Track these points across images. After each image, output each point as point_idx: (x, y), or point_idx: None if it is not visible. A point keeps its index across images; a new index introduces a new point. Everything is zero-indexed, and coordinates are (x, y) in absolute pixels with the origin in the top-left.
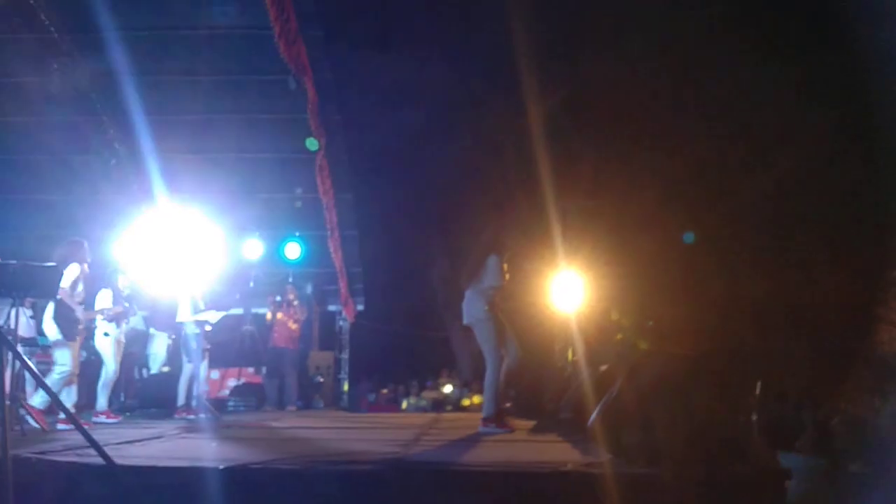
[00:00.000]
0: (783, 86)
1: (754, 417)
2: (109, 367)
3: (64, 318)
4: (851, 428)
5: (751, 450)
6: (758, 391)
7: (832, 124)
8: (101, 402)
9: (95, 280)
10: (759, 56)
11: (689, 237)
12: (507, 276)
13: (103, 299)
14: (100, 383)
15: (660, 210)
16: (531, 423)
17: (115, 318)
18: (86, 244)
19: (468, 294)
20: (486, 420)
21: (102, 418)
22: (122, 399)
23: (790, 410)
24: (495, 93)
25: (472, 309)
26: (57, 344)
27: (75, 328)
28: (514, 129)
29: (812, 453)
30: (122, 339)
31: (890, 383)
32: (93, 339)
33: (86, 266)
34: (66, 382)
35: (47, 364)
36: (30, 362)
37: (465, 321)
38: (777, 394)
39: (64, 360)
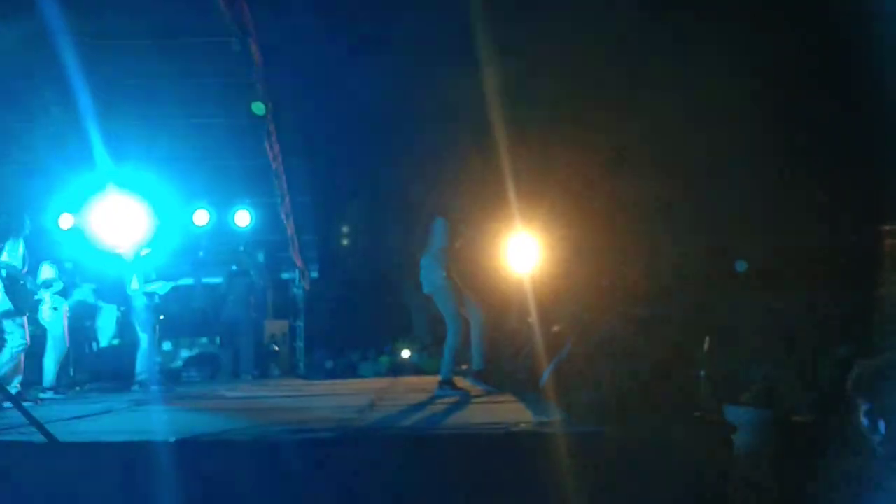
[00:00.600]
0: (726, 47)
1: (702, 373)
2: (60, 342)
3: (13, 292)
4: (796, 380)
5: (698, 405)
6: (706, 347)
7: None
8: (50, 377)
9: (35, 252)
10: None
11: (741, 265)
12: (457, 238)
13: (46, 272)
14: (49, 358)
15: (609, 173)
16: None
17: (62, 292)
18: (23, 215)
19: (423, 262)
20: (442, 383)
21: (50, 394)
22: (72, 374)
23: (738, 365)
24: (449, 55)
25: (430, 276)
26: (8, 317)
27: (28, 301)
28: (467, 94)
29: (759, 406)
30: (67, 313)
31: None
32: (38, 313)
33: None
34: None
35: None
36: None
37: (425, 290)
38: (725, 349)
39: (17, 335)
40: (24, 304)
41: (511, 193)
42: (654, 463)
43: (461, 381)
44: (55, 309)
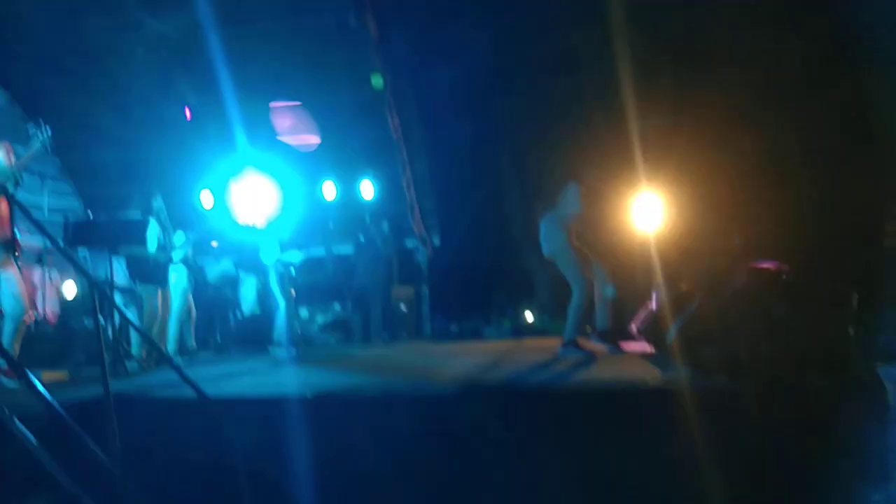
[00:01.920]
0: None
1: (851, 331)
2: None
3: (139, 270)
4: None
5: (846, 362)
6: (854, 303)
7: None
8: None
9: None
10: None
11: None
12: (588, 205)
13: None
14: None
15: (744, 124)
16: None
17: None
18: (157, 194)
19: (545, 225)
20: (566, 344)
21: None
22: (218, 339)
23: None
24: (570, 12)
25: (551, 240)
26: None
27: (151, 275)
28: (591, 50)
29: None
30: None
31: None
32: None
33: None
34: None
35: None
36: (125, 310)
37: (545, 253)
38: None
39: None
40: (153, 278)
41: (637, 151)
42: (786, 419)
43: (586, 343)
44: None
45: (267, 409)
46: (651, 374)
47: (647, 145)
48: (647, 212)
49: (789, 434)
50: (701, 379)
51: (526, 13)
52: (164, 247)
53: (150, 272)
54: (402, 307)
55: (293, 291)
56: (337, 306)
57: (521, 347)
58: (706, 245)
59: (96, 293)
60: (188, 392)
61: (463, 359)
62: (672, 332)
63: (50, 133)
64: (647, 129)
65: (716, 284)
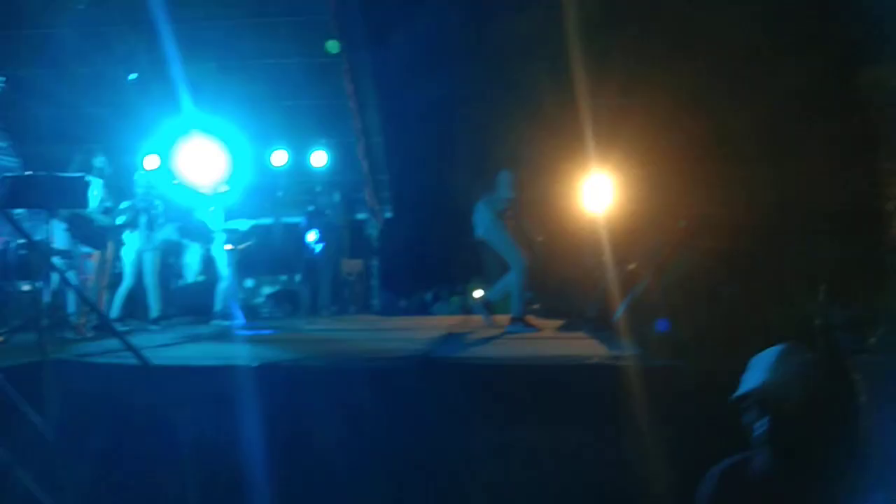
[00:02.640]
0: None
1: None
2: (126, 278)
3: (83, 231)
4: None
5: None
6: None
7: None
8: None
9: (124, 191)
10: None
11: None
12: (520, 191)
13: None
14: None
15: (690, 108)
16: (559, 323)
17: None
18: (98, 154)
19: (478, 206)
20: (514, 319)
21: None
22: (161, 308)
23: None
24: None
25: (481, 220)
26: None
27: (97, 238)
28: (545, 30)
29: None
30: (151, 249)
31: None
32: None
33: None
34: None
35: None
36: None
37: (477, 233)
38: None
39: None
40: (94, 241)
41: (587, 131)
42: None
43: (533, 319)
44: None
45: (211, 378)
46: (598, 352)
47: (597, 126)
48: (597, 193)
49: (729, 415)
50: (646, 357)
51: None
52: (110, 209)
53: (92, 235)
54: (351, 279)
55: (238, 260)
56: (284, 277)
57: (470, 323)
58: (655, 226)
59: (34, 255)
60: (130, 359)
61: (411, 332)
62: (619, 311)
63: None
64: (598, 110)
65: (663, 264)
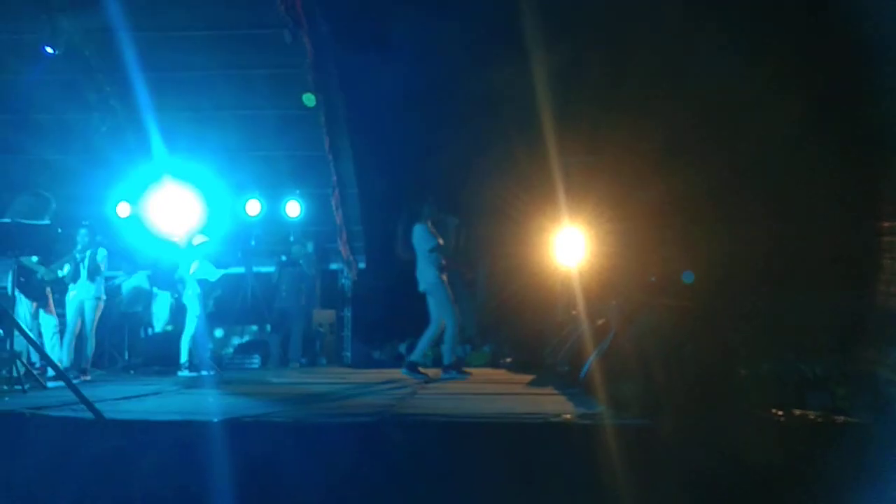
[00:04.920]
0: (781, 44)
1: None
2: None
3: (27, 284)
4: (854, 380)
5: (743, 402)
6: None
7: (829, 80)
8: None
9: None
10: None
11: (688, 276)
12: (437, 235)
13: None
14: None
15: (660, 165)
16: (530, 377)
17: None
18: (48, 200)
19: (419, 263)
20: (446, 367)
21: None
22: (127, 357)
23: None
24: (496, 51)
25: (425, 276)
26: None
27: (36, 289)
28: (515, 87)
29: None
30: (92, 298)
31: (891, 333)
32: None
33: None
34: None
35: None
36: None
37: (420, 288)
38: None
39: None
40: (30, 291)
41: (559, 186)
42: (698, 456)
43: (465, 367)
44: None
45: (170, 434)
46: (566, 409)
47: (570, 181)
48: (569, 246)
49: (706, 470)
50: (614, 415)
51: (455, 49)
52: (51, 262)
53: (31, 286)
54: (322, 331)
55: (208, 310)
56: (255, 328)
57: (439, 376)
58: (623, 280)
59: None
60: (86, 412)
61: (381, 386)
62: (586, 367)
63: None
64: (571, 166)
65: (630, 320)
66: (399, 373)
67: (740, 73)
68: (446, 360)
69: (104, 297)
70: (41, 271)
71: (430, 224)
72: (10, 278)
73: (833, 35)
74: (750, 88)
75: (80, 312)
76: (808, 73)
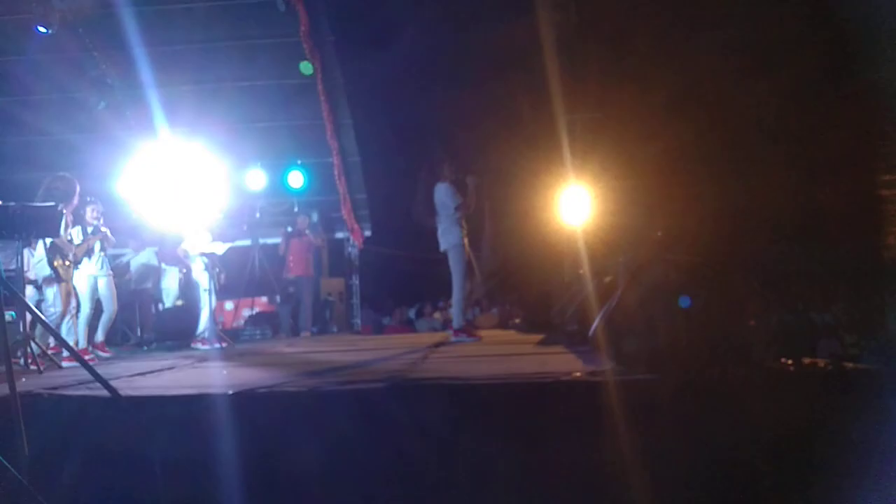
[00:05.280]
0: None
1: (752, 323)
2: (84, 304)
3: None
4: (863, 327)
5: (752, 354)
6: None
7: (833, 36)
8: (99, 335)
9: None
10: None
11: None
12: (463, 194)
13: (76, 236)
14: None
15: (667, 119)
16: (539, 337)
17: (85, 254)
18: (70, 182)
19: (442, 223)
20: (457, 331)
21: (97, 352)
22: (139, 334)
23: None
24: (498, 10)
25: (448, 236)
26: (46, 282)
27: (65, 268)
28: (520, 46)
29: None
30: (103, 274)
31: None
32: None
33: (73, 203)
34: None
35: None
36: (32, 304)
37: (442, 248)
38: (784, 300)
39: (55, 300)
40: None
41: (564, 144)
42: (706, 409)
43: (473, 329)
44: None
45: (186, 408)
46: (575, 367)
47: (575, 139)
48: (575, 205)
49: (708, 427)
50: (622, 372)
51: (455, 4)
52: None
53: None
54: (332, 299)
55: (217, 283)
56: (264, 299)
57: (449, 340)
58: (629, 237)
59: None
60: (102, 391)
61: (392, 352)
62: (594, 325)
63: None
64: (576, 123)
65: (636, 277)
66: (410, 338)
67: (752, 20)
68: (456, 324)
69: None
70: (69, 248)
71: (449, 183)
72: (19, 260)
73: None
74: (761, 38)
75: (95, 290)
76: (823, 21)
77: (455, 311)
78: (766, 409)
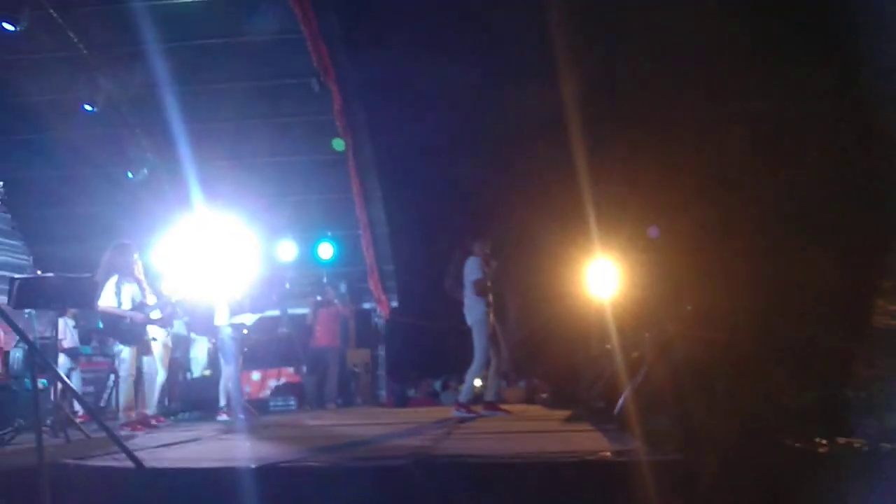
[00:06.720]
0: (809, 87)
1: (785, 401)
2: (159, 372)
3: (114, 328)
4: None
5: (781, 433)
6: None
7: (848, 123)
8: (151, 406)
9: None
10: (787, 55)
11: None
12: (488, 272)
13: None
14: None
15: (696, 193)
16: (566, 413)
17: (161, 322)
18: (130, 248)
19: (467, 298)
20: (459, 405)
21: (152, 422)
22: (167, 403)
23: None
24: (525, 87)
25: (472, 310)
26: (117, 352)
27: (131, 332)
28: (547, 119)
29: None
30: (170, 344)
31: None
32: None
33: (137, 269)
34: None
35: (95, 372)
36: (64, 372)
37: (468, 321)
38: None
39: (126, 364)
40: (123, 336)
41: (591, 216)
42: (735, 493)
43: (475, 407)
44: (154, 339)
45: (209, 481)
46: (601, 446)
47: (602, 212)
48: (602, 278)
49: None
50: (650, 452)
51: (484, 82)
52: (141, 304)
53: (125, 331)
54: (357, 370)
55: (243, 354)
56: (291, 369)
57: (477, 413)
58: (657, 312)
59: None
60: (127, 461)
61: (416, 426)
62: (620, 402)
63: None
64: (603, 197)
65: (665, 353)
66: (434, 412)
67: (784, 95)
68: (462, 398)
69: None
70: (128, 315)
71: (481, 260)
72: (54, 329)
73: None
74: (795, 112)
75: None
76: (855, 94)
77: (465, 385)
78: (797, 491)
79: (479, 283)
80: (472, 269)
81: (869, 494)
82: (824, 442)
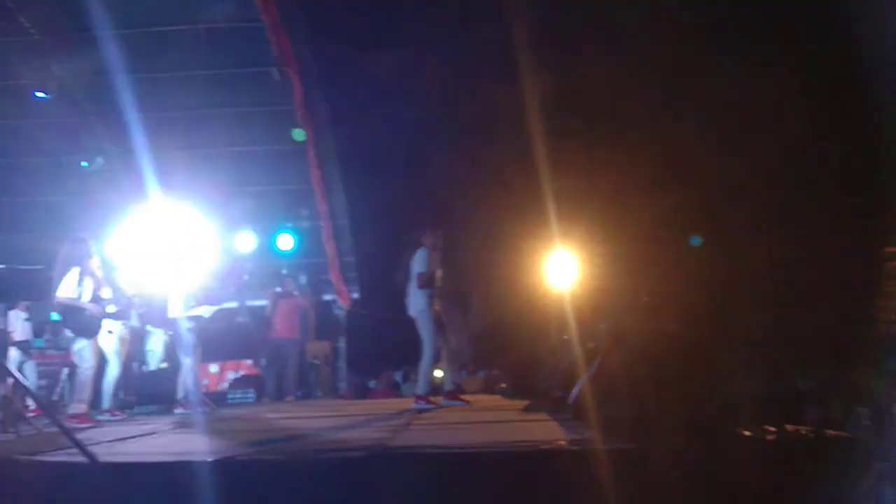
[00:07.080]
0: (777, 69)
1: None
2: (113, 365)
3: (74, 321)
4: (849, 394)
5: (735, 421)
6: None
7: (829, 102)
8: (106, 400)
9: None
10: (752, 43)
11: (696, 240)
12: (434, 265)
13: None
14: (104, 381)
15: (654, 185)
16: (524, 403)
17: (118, 316)
18: (88, 241)
19: (410, 289)
20: (418, 397)
21: (107, 416)
22: (121, 396)
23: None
24: (487, 78)
25: (415, 303)
26: (75, 345)
27: (91, 325)
28: (507, 114)
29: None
30: (127, 337)
31: (888, 357)
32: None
33: (93, 262)
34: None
35: (48, 365)
36: (15, 366)
37: (410, 312)
38: (769, 369)
39: (86, 357)
40: (85, 328)
41: (551, 209)
42: (687, 480)
43: (436, 398)
44: (110, 332)
45: (166, 475)
46: (556, 435)
47: (561, 204)
48: (562, 269)
49: (689, 496)
50: (604, 440)
51: (445, 74)
52: (97, 298)
53: (85, 324)
54: (318, 363)
55: (201, 347)
56: (249, 362)
57: (437, 403)
58: (613, 303)
59: None
60: (80, 456)
61: (376, 418)
62: (573, 392)
63: None
64: (563, 189)
65: (620, 343)
66: (395, 403)
67: (740, 89)
68: (420, 391)
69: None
70: (89, 307)
71: (429, 252)
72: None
73: (843, 47)
74: (751, 105)
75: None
76: (813, 89)
77: (420, 378)
78: (743, 477)
79: (422, 277)
80: (418, 262)
81: (813, 479)
82: (772, 429)
